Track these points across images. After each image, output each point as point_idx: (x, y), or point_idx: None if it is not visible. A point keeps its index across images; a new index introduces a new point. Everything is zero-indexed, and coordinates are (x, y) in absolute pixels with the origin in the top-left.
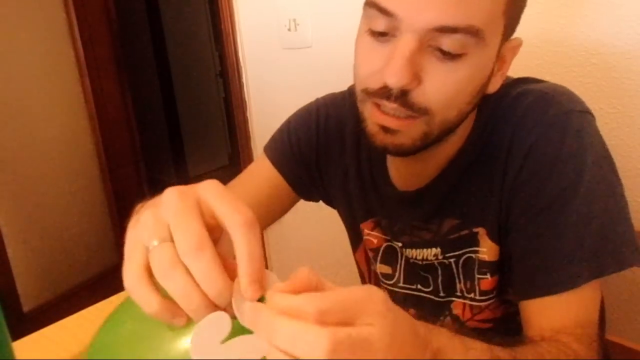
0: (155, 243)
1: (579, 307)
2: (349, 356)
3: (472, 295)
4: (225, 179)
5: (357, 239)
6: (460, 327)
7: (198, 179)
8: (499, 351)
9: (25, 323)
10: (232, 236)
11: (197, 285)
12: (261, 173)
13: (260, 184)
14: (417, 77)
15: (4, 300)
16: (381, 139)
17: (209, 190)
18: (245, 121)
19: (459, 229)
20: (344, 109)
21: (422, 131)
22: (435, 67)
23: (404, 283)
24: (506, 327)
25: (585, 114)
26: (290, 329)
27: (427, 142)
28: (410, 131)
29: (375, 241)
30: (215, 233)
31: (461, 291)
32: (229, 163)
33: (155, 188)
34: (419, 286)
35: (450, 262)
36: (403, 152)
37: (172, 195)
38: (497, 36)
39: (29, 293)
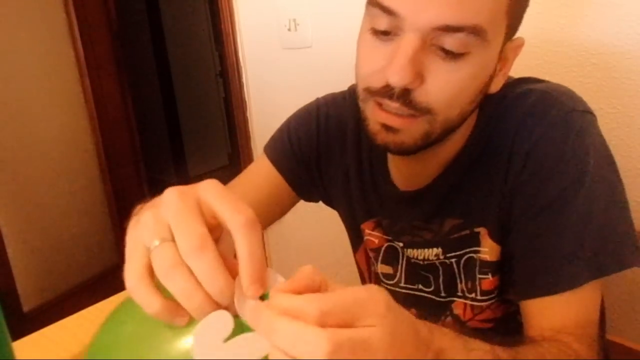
0: (157, 243)
1: (580, 307)
2: (349, 356)
3: (473, 295)
4: (225, 179)
5: (358, 240)
6: (461, 327)
7: (198, 179)
8: (500, 351)
9: (25, 323)
10: (233, 236)
11: (199, 284)
12: (261, 173)
13: (260, 184)
14: (419, 76)
15: (4, 300)
16: (383, 137)
17: (209, 190)
18: (245, 121)
19: (460, 229)
20: (344, 108)
21: (424, 130)
22: (438, 66)
23: (405, 283)
24: (506, 327)
25: (587, 114)
26: (290, 329)
27: (429, 142)
28: (412, 130)
29: (376, 241)
30: (215, 233)
31: (462, 291)
32: (229, 163)
33: (155, 188)
34: (420, 286)
35: (451, 262)
36: (404, 151)
37: (172, 196)
38: (499, 36)
39: (29, 293)
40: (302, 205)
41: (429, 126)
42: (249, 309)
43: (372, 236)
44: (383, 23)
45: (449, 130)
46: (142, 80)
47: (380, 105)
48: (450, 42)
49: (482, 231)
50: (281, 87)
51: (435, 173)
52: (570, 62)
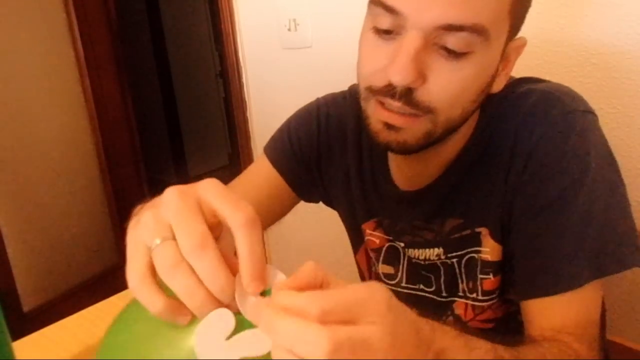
0: (158, 241)
1: (580, 307)
2: (349, 356)
3: (474, 295)
4: (225, 179)
5: (359, 240)
6: (463, 327)
7: (198, 179)
8: (502, 351)
9: (25, 323)
10: (233, 233)
11: (201, 282)
12: (261, 173)
13: (260, 185)
14: (421, 76)
15: (4, 300)
16: (385, 136)
17: (209, 189)
18: (245, 121)
19: (462, 229)
20: (344, 108)
21: (426, 129)
22: (440, 66)
23: (406, 283)
24: (507, 327)
25: (589, 113)
26: (291, 327)
27: (431, 141)
28: (414, 129)
29: (377, 241)
30: (216, 231)
31: (463, 291)
32: (229, 163)
33: (155, 188)
34: (421, 286)
35: (452, 262)
36: (406, 150)
37: (172, 195)
38: (502, 35)
39: (29, 293)
40: (302, 205)
41: (431, 125)
42: (250, 306)
43: (373, 236)
44: (385, 22)
45: (450, 129)
46: (142, 80)
47: (382, 104)
48: (453, 41)
49: (483, 231)
50: (281, 87)
51: (436, 173)
52: (570, 62)
